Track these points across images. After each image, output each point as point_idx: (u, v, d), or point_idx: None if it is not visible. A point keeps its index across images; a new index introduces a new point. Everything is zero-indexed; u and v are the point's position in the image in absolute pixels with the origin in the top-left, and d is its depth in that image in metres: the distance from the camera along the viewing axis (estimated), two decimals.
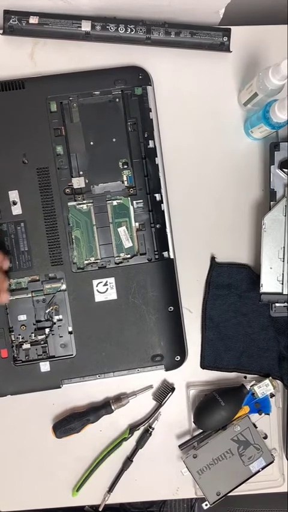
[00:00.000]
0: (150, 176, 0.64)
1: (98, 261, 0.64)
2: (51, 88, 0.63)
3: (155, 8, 0.67)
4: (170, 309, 0.63)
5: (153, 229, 0.64)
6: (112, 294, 0.63)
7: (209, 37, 0.66)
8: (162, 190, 0.64)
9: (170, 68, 0.67)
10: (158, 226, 0.64)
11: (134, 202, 0.64)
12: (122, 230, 0.63)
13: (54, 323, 0.63)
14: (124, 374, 0.63)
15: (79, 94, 0.63)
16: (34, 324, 0.63)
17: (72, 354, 0.63)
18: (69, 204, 0.63)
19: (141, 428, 0.66)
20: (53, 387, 0.62)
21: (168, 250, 0.64)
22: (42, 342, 0.63)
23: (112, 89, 0.63)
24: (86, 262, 0.63)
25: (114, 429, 0.66)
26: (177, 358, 0.64)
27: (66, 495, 0.66)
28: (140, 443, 0.65)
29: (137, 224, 0.64)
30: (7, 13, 0.64)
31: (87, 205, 0.64)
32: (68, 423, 0.63)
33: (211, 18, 0.70)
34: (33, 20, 0.64)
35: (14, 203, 0.63)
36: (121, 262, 0.64)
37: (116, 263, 0.63)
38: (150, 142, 0.64)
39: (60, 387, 0.62)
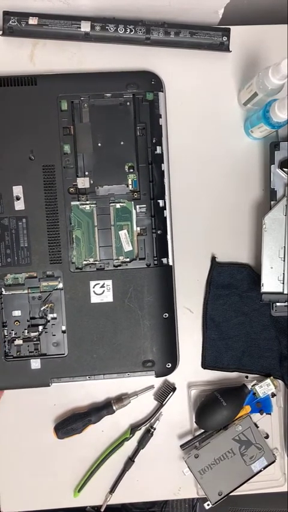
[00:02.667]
0: (155, 182, 0.64)
1: (97, 262, 0.63)
2: (63, 86, 0.63)
3: (155, 8, 0.67)
4: (165, 315, 0.63)
5: (154, 235, 0.64)
6: (108, 297, 0.63)
7: (209, 37, 0.66)
8: (166, 197, 0.64)
9: (170, 68, 0.67)
10: (159, 232, 0.64)
11: (137, 206, 0.64)
12: (123, 233, 0.63)
13: (48, 321, 0.63)
14: (114, 377, 0.63)
15: (90, 95, 0.63)
16: (28, 321, 0.63)
17: (63, 354, 0.63)
18: (73, 203, 0.63)
19: (143, 428, 0.66)
20: (42, 385, 0.62)
21: (167, 256, 0.64)
22: (34, 339, 0.63)
23: (124, 92, 0.63)
24: (84, 262, 0.63)
25: (115, 429, 0.66)
26: (169, 365, 0.64)
27: (68, 496, 0.66)
28: (142, 443, 0.66)
29: (138, 228, 0.64)
30: (6, 14, 0.64)
31: (90, 206, 0.64)
32: (70, 423, 0.63)
33: (210, 18, 0.70)
34: (32, 21, 0.64)
35: (18, 198, 0.63)
36: (120, 266, 0.64)
37: (114, 266, 0.64)
38: (158, 148, 0.64)
39: (49, 386, 0.62)
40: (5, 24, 0.64)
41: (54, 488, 0.66)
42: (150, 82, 0.64)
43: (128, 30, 0.65)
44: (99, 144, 0.63)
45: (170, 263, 0.64)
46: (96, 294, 0.63)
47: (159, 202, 0.64)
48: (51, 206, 0.63)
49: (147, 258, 0.64)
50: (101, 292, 0.63)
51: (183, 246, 0.67)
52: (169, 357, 0.64)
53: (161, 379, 0.67)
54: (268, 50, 0.68)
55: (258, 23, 0.69)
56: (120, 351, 0.63)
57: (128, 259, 0.64)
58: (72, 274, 0.63)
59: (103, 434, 0.66)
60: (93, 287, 0.63)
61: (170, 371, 0.64)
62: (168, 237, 0.64)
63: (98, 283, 0.63)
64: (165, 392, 0.66)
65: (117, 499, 0.66)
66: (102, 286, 0.63)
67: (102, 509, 0.66)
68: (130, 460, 0.66)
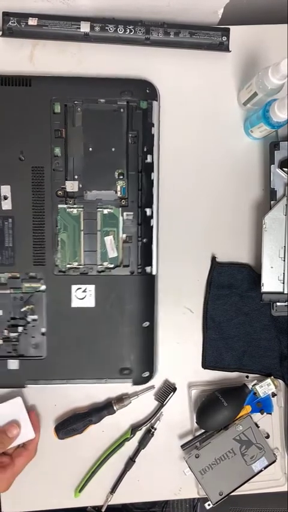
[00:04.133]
0: (144, 191, 0.63)
1: (81, 266, 0.63)
2: (58, 89, 0.63)
3: (154, 8, 0.67)
4: (145, 324, 0.63)
5: (139, 243, 0.63)
6: (90, 302, 0.62)
7: (208, 37, 0.66)
8: (154, 206, 0.64)
9: (169, 68, 0.67)
10: (144, 240, 0.63)
11: (125, 213, 0.63)
12: (109, 239, 0.63)
13: (29, 322, 0.63)
14: (91, 383, 0.63)
15: (84, 99, 0.63)
16: (8, 321, 0.62)
17: (42, 356, 0.62)
18: (60, 206, 0.63)
19: (143, 429, 0.66)
20: (17, 386, 0.62)
21: (151, 265, 0.63)
22: (13, 340, 0.62)
23: (118, 99, 0.63)
24: (68, 266, 0.63)
25: (116, 429, 0.66)
26: (146, 374, 0.63)
27: (69, 496, 0.66)
28: (142, 443, 0.66)
29: (124, 235, 0.63)
30: (6, 15, 0.64)
31: (77, 210, 0.63)
32: (70, 424, 0.63)
33: (210, 18, 0.70)
34: (32, 21, 0.64)
35: (5, 198, 0.62)
36: (103, 271, 0.63)
37: (98, 271, 0.63)
38: (149, 156, 0.63)
39: (24, 387, 0.62)
40: (4, 25, 0.64)
41: (55, 488, 0.66)
42: (145, 91, 0.64)
43: (128, 30, 0.65)
44: (90, 149, 0.63)
45: (154, 272, 0.64)
46: (78, 298, 0.62)
47: (146, 211, 0.63)
48: (38, 207, 0.62)
49: (131, 266, 0.63)
50: (83, 297, 0.62)
51: (184, 246, 0.67)
52: (146, 366, 0.64)
53: (162, 379, 0.67)
54: (268, 50, 0.68)
55: (258, 23, 0.69)
56: (99, 357, 0.62)
57: (112, 266, 0.63)
58: (55, 277, 0.62)
59: (104, 434, 0.66)
60: (75, 291, 0.62)
61: (147, 380, 0.64)
62: (154, 246, 0.64)
63: (80, 288, 0.62)
64: (165, 392, 0.66)
65: (118, 499, 0.66)
66: (85, 291, 0.62)
67: (103, 510, 0.66)
68: (131, 460, 0.66)
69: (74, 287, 0.62)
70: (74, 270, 0.63)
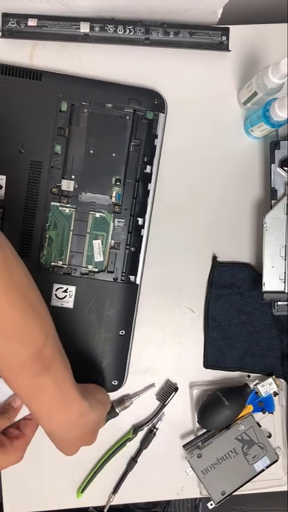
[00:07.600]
0: (139, 200, 0.63)
1: (65, 266, 0.63)
2: (67, 87, 0.62)
3: (153, 8, 0.67)
4: (122, 333, 0.63)
5: (127, 251, 0.63)
6: (69, 303, 0.62)
7: (208, 37, 0.66)
8: (147, 216, 0.64)
9: (169, 68, 0.68)
10: (132, 249, 0.63)
11: (116, 219, 0.63)
12: (97, 243, 0.62)
13: None
14: None
15: (92, 102, 0.63)
16: None
17: None
18: (53, 203, 0.62)
19: (145, 429, 0.66)
20: None
21: (136, 275, 0.63)
22: None
23: (125, 106, 0.63)
24: (52, 264, 0.62)
25: (118, 430, 0.66)
26: (115, 382, 0.63)
27: (71, 496, 0.66)
28: (144, 443, 0.66)
29: (112, 242, 0.63)
30: (6, 16, 0.64)
31: (70, 210, 0.63)
32: None
33: (209, 18, 0.70)
34: (31, 22, 0.64)
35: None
36: (87, 274, 0.63)
37: (81, 273, 0.63)
38: (148, 167, 0.63)
39: None
40: (4, 26, 0.64)
41: (57, 489, 0.66)
42: (153, 101, 0.64)
43: (127, 30, 0.65)
44: (91, 151, 0.63)
45: (137, 282, 0.63)
46: (58, 297, 0.62)
47: (138, 220, 0.63)
48: (31, 202, 0.62)
49: (116, 272, 0.63)
50: (63, 297, 0.62)
51: (184, 246, 0.67)
52: (116, 375, 0.63)
53: (163, 379, 0.67)
54: (268, 49, 0.68)
55: (258, 22, 0.69)
56: (69, 359, 0.61)
57: (96, 270, 0.63)
58: (38, 273, 0.62)
59: (105, 434, 0.66)
60: (56, 290, 0.62)
61: (116, 388, 0.63)
62: (141, 256, 0.64)
63: (62, 287, 0.62)
64: (167, 392, 0.66)
65: (120, 499, 0.66)
66: (65, 291, 0.62)
67: (105, 510, 0.66)
68: (133, 460, 0.66)
69: (55, 286, 0.62)
70: (58, 269, 0.62)
